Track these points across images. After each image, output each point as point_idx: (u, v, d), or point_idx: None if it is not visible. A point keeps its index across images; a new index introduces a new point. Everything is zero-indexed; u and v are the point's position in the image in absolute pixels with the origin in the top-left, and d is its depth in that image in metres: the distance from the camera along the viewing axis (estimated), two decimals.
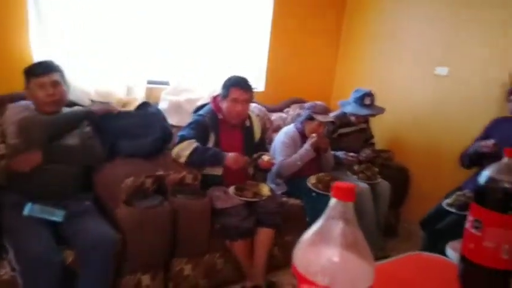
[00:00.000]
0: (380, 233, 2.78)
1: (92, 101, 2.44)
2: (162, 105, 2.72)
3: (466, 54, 2.86)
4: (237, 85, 2.33)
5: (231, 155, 2.22)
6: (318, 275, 0.52)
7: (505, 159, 0.88)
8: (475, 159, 2.39)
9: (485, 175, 0.89)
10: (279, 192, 2.56)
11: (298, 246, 0.55)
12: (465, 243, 0.91)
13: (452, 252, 1.19)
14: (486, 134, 2.49)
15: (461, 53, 2.89)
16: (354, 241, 0.53)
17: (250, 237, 2.17)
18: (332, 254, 0.52)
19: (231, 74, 2.42)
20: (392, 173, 3.07)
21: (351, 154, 2.80)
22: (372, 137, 3.16)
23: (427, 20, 3.09)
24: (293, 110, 3.28)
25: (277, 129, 3.00)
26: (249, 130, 2.50)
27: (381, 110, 2.87)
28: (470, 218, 0.90)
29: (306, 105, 2.75)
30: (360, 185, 2.68)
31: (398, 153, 3.29)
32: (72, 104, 2.27)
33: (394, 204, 3.00)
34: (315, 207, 2.41)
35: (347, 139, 2.96)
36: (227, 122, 2.40)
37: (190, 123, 2.37)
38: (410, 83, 3.24)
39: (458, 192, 2.27)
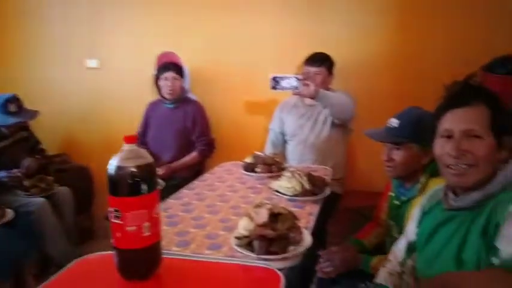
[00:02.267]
0: (74, 241, 2.60)
1: None
2: None
3: (114, 45, 2.97)
4: None
5: None
6: None
7: (126, 146, 0.92)
8: None
9: (112, 165, 0.91)
10: None
11: None
12: (113, 234, 0.92)
13: None
14: (146, 117, 2.72)
15: (109, 44, 2.97)
16: None
17: None
18: None
19: None
20: (72, 176, 2.90)
21: (15, 171, 2.41)
22: (38, 143, 2.83)
23: (69, 14, 2.99)
24: None
25: None
26: None
27: (33, 114, 2.59)
28: (110, 209, 0.91)
29: None
30: (34, 201, 2.38)
31: (76, 153, 3.15)
32: None
33: (83, 207, 2.87)
34: None
35: (6, 155, 2.52)
36: None
37: None
38: (64, 79, 3.10)
39: None
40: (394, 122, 1.37)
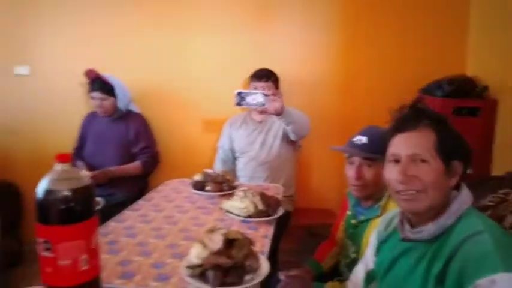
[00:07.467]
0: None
1: None
2: None
3: (47, 52, 2.72)
4: None
5: None
6: None
7: (58, 166, 0.80)
8: None
9: (41, 188, 0.78)
10: None
11: None
12: (43, 269, 0.79)
13: None
14: (83, 130, 2.53)
15: (41, 50, 2.72)
16: None
17: None
18: None
19: None
20: None
21: None
22: None
23: (4, 12, 2.70)
24: None
25: None
26: None
27: None
28: (39, 240, 0.78)
29: None
30: None
31: (2, 168, 2.83)
32: None
33: (10, 228, 2.56)
34: None
35: None
36: None
37: None
38: None
39: None
40: (362, 139, 1.31)
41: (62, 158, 0.79)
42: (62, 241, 0.77)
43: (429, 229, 0.90)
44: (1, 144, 2.85)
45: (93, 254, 0.82)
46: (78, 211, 0.78)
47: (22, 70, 2.72)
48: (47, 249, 0.77)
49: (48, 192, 0.77)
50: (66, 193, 0.77)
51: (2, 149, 2.86)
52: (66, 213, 0.78)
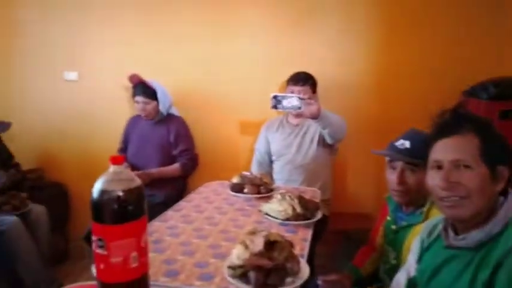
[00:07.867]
0: (47, 263, 2.44)
1: None
2: None
3: (94, 58, 2.86)
4: None
5: None
6: None
7: (111, 168, 0.85)
8: None
9: (96, 189, 0.83)
10: None
11: None
12: (97, 265, 0.84)
13: None
14: (127, 132, 2.63)
15: (89, 57, 2.87)
16: None
17: None
18: None
19: None
20: (47, 193, 2.76)
21: None
22: (10, 157, 2.67)
23: (47, 23, 2.88)
24: None
25: None
26: None
27: (5, 126, 2.46)
28: (93, 238, 0.83)
29: None
30: (6, 219, 2.22)
31: (51, 169, 3.00)
32: None
33: (57, 226, 2.71)
34: None
35: None
36: None
37: None
38: (41, 91, 2.94)
39: None
40: (405, 143, 1.28)
41: (115, 160, 0.84)
42: (114, 239, 0.81)
43: (474, 236, 0.88)
44: (51, 146, 3.02)
45: (142, 252, 0.86)
46: (130, 210, 0.82)
47: (71, 75, 2.88)
48: (101, 247, 0.82)
49: (103, 192, 0.82)
50: (119, 193, 0.81)
51: (52, 150, 3.03)
52: (119, 213, 0.82)
